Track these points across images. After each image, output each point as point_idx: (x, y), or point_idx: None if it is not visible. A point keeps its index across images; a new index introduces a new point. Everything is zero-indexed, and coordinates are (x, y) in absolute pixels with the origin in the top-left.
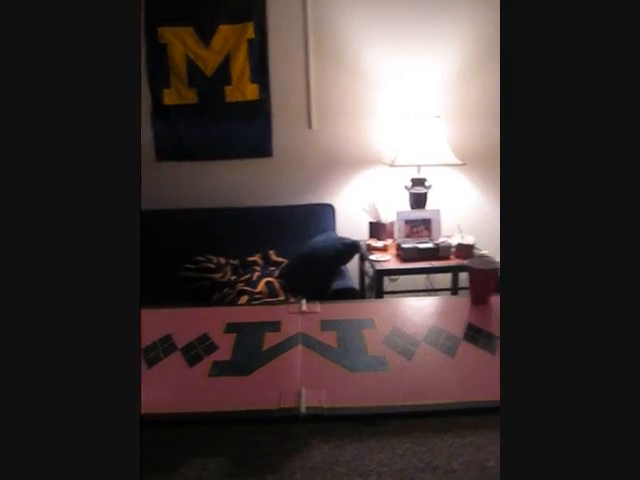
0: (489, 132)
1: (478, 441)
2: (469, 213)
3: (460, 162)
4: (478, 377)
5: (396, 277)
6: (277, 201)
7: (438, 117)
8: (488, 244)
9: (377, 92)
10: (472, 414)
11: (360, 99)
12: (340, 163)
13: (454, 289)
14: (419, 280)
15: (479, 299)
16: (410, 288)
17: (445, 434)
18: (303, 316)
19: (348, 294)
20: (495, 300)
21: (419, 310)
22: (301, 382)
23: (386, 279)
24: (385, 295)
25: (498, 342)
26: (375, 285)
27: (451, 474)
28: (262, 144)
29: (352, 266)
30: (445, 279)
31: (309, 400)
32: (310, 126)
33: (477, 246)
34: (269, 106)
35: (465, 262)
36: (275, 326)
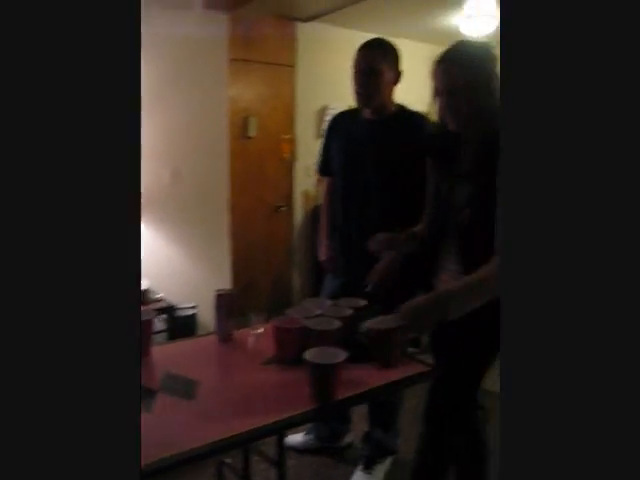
0: (158, 174)
1: None
2: (145, 256)
3: None
4: None
5: None
6: None
7: None
8: (164, 287)
9: None
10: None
11: None
12: None
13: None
14: None
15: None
16: None
17: None
18: None
19: None
20: (155, 350)
21: None
22: None
23: None
24: None
25: (153, 400)
26: None
27: None
28: None
29: None
30: None
31: None
32: None
33: (153, 289)
34: None
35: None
36: None
